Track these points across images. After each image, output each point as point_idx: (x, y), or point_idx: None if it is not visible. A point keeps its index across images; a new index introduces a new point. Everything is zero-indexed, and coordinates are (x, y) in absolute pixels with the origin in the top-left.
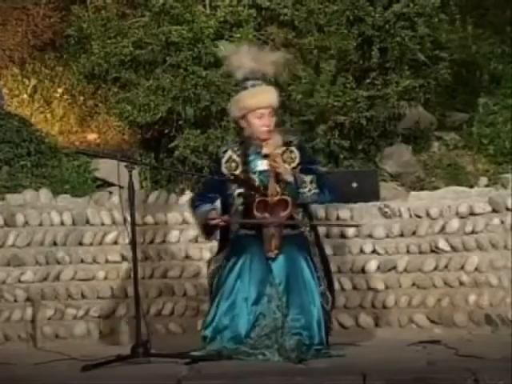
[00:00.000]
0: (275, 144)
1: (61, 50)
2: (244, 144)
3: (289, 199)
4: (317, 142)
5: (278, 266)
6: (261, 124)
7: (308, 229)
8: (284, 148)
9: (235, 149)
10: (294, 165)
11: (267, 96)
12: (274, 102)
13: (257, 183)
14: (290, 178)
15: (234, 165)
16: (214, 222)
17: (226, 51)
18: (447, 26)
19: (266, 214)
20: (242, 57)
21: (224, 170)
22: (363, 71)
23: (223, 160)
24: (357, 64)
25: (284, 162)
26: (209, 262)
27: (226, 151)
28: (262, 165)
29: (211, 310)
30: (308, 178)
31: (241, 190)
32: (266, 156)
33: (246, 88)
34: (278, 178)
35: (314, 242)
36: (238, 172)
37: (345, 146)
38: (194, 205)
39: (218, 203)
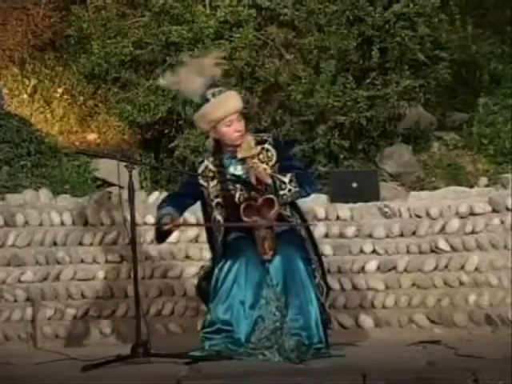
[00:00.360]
0: (249, 146)
1: (61, 50)
2: (218, 153)
3: (274, 197)
4: (317, 142)
5: (275, 267)
6: (232, 130)
7: (299, 222)
8: (259, 148)
9: (210, 159)
10: (272, 163)
11: (231, 102)
12: (240, 106)
13: (239, 189)
14: (268, 181)
15: (210, 174)
16: (165, 227)
17: (168, 84)
18: (447, 26)
19: (255, 217)
20: (183, 81)
21: (201, 181)
22: (363, 71)
23: (199, 171)
24: (357, 64)
25: (262, 162)
26: (201, 267)
27: (201, 162)
28: (238, 170)
29: (208, 314)
30: (287, 178)
31: (219, 200)
32: (242, 160)
33: (207, 100)
34: (259, 180)
35: (307, 235)
36: (215, 182)
37: (345, 146)
38: (159, 205)
39: (187, 205)
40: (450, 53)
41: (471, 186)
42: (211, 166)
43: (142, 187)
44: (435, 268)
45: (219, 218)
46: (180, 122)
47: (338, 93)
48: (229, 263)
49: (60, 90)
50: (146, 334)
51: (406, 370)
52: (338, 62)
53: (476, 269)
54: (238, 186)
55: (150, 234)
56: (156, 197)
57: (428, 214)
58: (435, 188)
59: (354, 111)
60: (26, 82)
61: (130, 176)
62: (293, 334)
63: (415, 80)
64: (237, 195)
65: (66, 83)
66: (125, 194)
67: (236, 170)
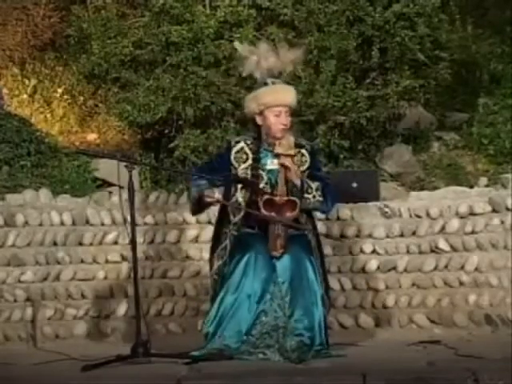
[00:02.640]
0: (288, 145)
1: (61, 50)
2: (257, 140)
3: (297, 201)
4: (317, 142)
5: (283, 265)
6: (278, 122)
7: (312, 232)
8: (296, 150)
9: (248, 142)
10: (303, 168)
11: (287, 95)
12: (293, 102)
13: (264, 181)
14: (297, 181)
15: (244, 157)
16: (209, 199)
17: (244, 50)
18: (447, 26)
19: (273, 213)
20: (261, 56)
21: (233, 160)
22: (363, 71)
23: (234, 149)
24: (357, 64)
25: (294, 164)
26: (211, 259)
27: (238, 142)
28: (272, 163)
29: (214, 306)
30: (314, 185)
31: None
32: (277, 155)
33: (266, 84)
34: (287, 179)
35: (316, 246)
36: (246, 165)
37: (345, 146)
38: (193, 177)
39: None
40: (449, 53)
41: (471, 186)
42: (247, 149)
43: (141, 187)
44: (435, 268)
45: (241, 199)
46: (180, 122)
47: (337, 93)
48: (238, 257)
49: (60, 90)
50: (146, 334)
51: (406, 369)
52: (338, 61)
53: (476, 269)
54: (265, 177)
55: (150, 234)
56: (156, 197)
57: (428, 214)
58: (435, 188)
59: (353, 111)
60: (26, 82)
61: (130, 176)
62: (296, 335)
63: (415, 80)
64: (261, 186)
65: (66, 83)
66: (125, 194)
67: (270, 163)
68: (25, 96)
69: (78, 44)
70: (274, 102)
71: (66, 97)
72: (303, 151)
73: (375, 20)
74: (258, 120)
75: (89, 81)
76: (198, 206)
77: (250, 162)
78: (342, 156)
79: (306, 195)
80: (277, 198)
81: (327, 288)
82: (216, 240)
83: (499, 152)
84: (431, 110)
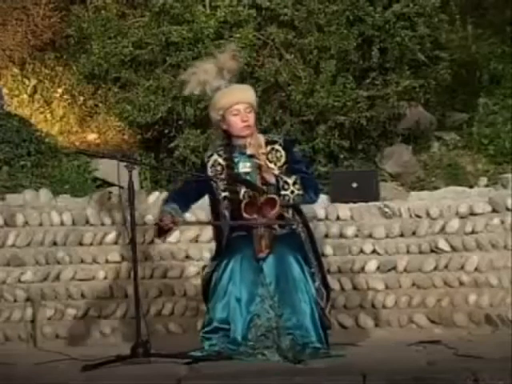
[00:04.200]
0: (258, 144)
1: (61, 50)
2: (228, 147)
3: (276, 198)
4: (317, 142)
5: (268, 266)
6: (238, 120)
7: (301, 225)
8: (269, 148)
9: (220, 152)
10: (280, 164)
11: (241, 92)
12: (249, 98)
13: (243, 187)
14: (271, 180)
15: (219, 168)
16: (161, 223)
17: (185, 75)
18: (447, 26)
19: (255, 215)
20: (202, 70)
21: (210, 174)
22: (363, 71)
23: (209, 164)
24: (357, 64)
25: (270, 161)
26: (203, 268)
27: (211, 155)
28: (247, 167)
29: (208, 314)
30: (291, 180)
31: (226, 194)
32: (250, 156)
33: (220, 89)
34: (263, 178)
35: (308, 239)
36: (223, 176)
37: (345, 146)
38: (164, 201)
39: (190, 203)
40: (449, 53)
41: (471, 186)
42: (220, 160)
43: (141, 187)
44: (435, 268)
45: (226, 212)
46: (180, 122)
47: (338, 93)
48: (225, 261)
49: (60, 90)
50: (146, 334)
51: (405, 370)
52: (338, 61)
53: (476, 269)
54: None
55: (150, 234)
56: (156, 197)
57: (428, 214)
58: (435, 188)
59: (354, 111)
60: (26, 82)
61: (130, 176)
62: (287, 334)
63: (415, 80)
64: (241, 192)
65: (66, 83)
66: (125, 194)
67: (245, 166)
68: (25, 96)
69: (78, 44)
70: (230, 103)
71: (65, 97)
72: (276, 147)
73: (375, 20)
74: (223, 126)
75: (89, 81)
76: (158, 233)
77: (225, 171)
78: (342, 156)
79: (282, 192)
80: (255, 200)
81: (324, 279)
82: (218, 242)
83: (499, 152)
84: (431, 109)
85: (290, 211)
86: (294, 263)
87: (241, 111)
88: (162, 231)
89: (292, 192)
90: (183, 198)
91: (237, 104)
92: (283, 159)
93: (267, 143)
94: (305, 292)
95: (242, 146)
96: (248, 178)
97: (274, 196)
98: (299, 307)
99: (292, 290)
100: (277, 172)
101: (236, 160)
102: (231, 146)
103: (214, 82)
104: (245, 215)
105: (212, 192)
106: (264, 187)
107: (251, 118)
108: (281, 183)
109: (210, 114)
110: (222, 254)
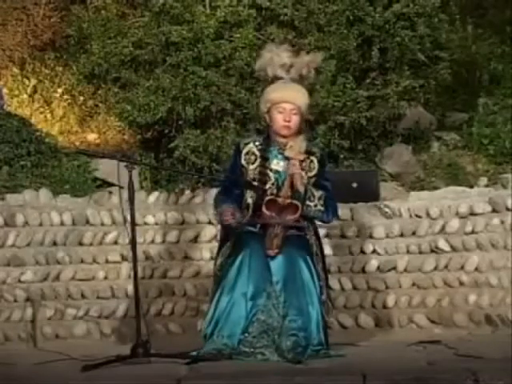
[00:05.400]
0: (298, 149)
1: (61, 50)
2: (267, 141)
3: (299, 205)
4: (317, 142)
5: (277, 265)
6: (281, 118)
7: (314, 238)
8: (306, 156)
9: (257, 143)
10: (310, 174)
11: (291, 92)
12: (301, 102)
13: (271, 181)
14: (301, 188)
15: (253, 158)
16: (225, 222)
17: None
18: (447, 26)
19: (274, 214)
20: (275, 52)
21: (243, 161)
22: (363, 71)
23: (243, 151)
24: (357, 64)
25: (302, 169)
26: (216, 255)
27: (247, 143)
28: (277, 164)
29: (211, 307)
30: (318, 194)
31: (254, 184)
32: (286, 158)
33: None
34: (292, 183)
35: (318, 251)
36: (255, 166)
37: (345, 146)
38: (215, 202)
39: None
40: (450, 53)
41: (471, 186)
42: (255, 150)
43: (141, 187)
44: (435, 268)
45: (250, 200)
46: (180, 122)
47: (337, 93)
48: (234, 256)
49: (60, 90)
50: (146, 334)
51: (405, 369)
52: (338, 62)
53: (476, 269)
54: (272, 177)
55: (150, 234)
56: (156, 197)
57: (428, 214)
58: (435, 188)
59: (353, 111)
60: (26, 82)
61: (130, 176)
62: (290, 335)
63: (415, 80)
64: (267, 186)
65: (66, 83)
66: (125, 194)
67: (278, 165)
68: (25, 96)
69: (78, 44)
70: (279, 99)
71: (65, 97)
72: (313, 158)
73: (375, 20)
74: (267, 119)
75: (89, 81)
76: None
77: (257, 162)
78: (342, 156)
79: (307, 202)
80: (280, 199)
81: (328, 294)
82: (224, 240)
83: (499, 152)
84: (431, 109)
85: (306, 223)
86: (303, 265)
87: (286, 110)
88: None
89: (315, 206)
90: (231, 195)
91: (285, 102)
92: (315, 171)
93: (306, 151)
94: (314, 294)
95: (281, 145)
96: (277, 176)
97: (298, 203)
98: (306, 310)
99: (300, 292)
100: (305, 181)
101: (271, 156)
102: (270, 140)
103: (279, 71)
104: (265, 211)
105: (239, 177)
106: (289, 190)
107: (294, 119)
108: (308, 194)
109: (260, 104)
110: (231, 246)
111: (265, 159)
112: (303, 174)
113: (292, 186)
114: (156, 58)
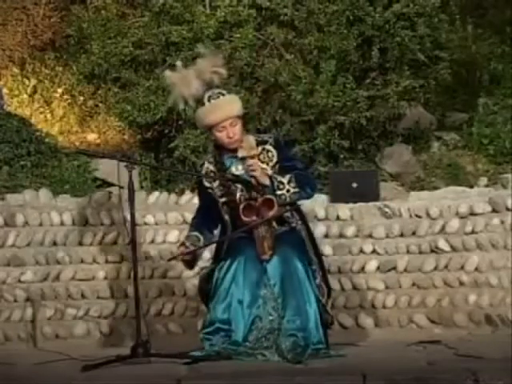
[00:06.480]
0: (249, 146)
1: (61, 50)
2: (218, 151)
3: (273, 198)
4: (317, 142)
5: (273, 267)
6: (224, 136)
7: (300, 222)
8: (260, 148)
9: (211, 160)
10: (272, 163)
11: (222, 109)
12: (234, 111)
13: (239, 188)
14: (266, 182)
15: (212, 174)
16: (179, 258)
17: (172, 78)
18: (447, 26)
19: (254, 217)
20: (182, 84)
21: (207, 184)
22: (363, 71)
23: (204, 172)
24: (357, 64)
25: (262, 162)
26: (202, 269)
27: (202, 165)
28: (239, 169)
29: (208, 314)
30: (286, 179)
31: (224, 200)
32: (242, 159)
33: (203, 104)
34: (258, 181)
35: (307, 236)
36: (217, 182)
37: (345, 146)
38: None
39: (212, 221)
40: (449, 53)
41: (471, 186)
42: (212, 167)
43: (141, 187)
44: (435, 268)
45: (226, 217)
46: (180, 122)
47: (337, 93)
48: (228, 263)
49: (60, 90)
50: (146, 334)
51: (405, 370)
52: (338, 62)
53: (476, 269)
54: (238, 186)
55: (150, 234)
56: (156, 197)
57: (428, 214)
58: (435, 188)
59: (353, 111)
60: (26, 82)
61: (130, 176)
62: (289, 335)
63: (415, 80)
64: (237, 195)
65: (66, 83)
66: (125, 194)
67: (237, 169)
68: (25, 96)
69: (78, 44)
70: (214, 121)
71: (65, 97)
72: (267, 147)
73: (375, 20)
74: (211, 137)
75: (89, 81)
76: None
77: (217, 178)
78: (342, 156)
79: (278, 192)
80: (253, 202)
81: (324, 275)
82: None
83: (499, 152)
84: (431, 109)
85: (288, 207)
86: (298, 264)
87: (226, 127)
88: (186, 264)
89: (288, 191)
90: (203, 220)
91: (222, 121)
92: (275, 158)
93: (258, 144)
94: (310, 293)
95: (232, 150)
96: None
97: (271, 196)
98: (304, 309)
99: (297, 292)
100: (270, 172)
101: (228, 164)
102: (222, 152)
103: (194, 91)
104: (243, 218)
105: (214, 200)
106: (260, 189)
107: (237, 130)
108: (275, 183)
109: (198, 126)
110: (223, 254)
111: (223, 171)
112: (264, 166)
113: (259, 183)
114: (156, 58)
